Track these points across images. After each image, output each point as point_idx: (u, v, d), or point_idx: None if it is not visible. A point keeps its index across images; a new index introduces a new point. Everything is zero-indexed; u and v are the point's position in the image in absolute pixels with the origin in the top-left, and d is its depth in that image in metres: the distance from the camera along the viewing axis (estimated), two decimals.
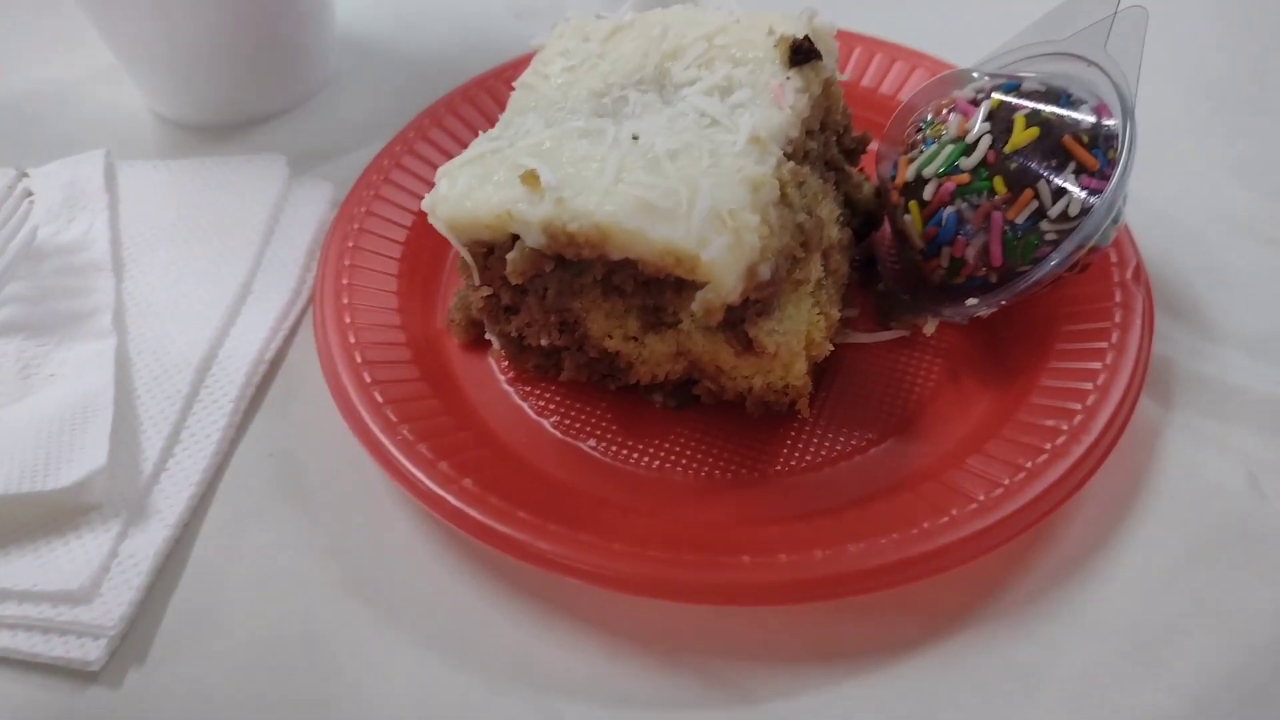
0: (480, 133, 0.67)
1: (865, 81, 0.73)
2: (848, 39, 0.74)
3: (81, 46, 0.81)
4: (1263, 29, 0.84)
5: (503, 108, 0.69)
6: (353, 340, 0.57)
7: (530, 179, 0.48)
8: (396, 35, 0.86)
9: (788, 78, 0.53)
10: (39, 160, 0.72)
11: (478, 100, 0.71)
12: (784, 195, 0.51)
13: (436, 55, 0.84)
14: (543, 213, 0.48)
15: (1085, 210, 0.54)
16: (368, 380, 0.55)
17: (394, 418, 0.53)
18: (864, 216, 0.64)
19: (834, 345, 0.57)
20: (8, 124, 0.79)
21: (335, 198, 0.70)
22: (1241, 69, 0.80)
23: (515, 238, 0.50)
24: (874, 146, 0.65)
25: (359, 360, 0.56)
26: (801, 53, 0.53)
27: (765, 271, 0.49)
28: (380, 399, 0.54)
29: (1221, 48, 0.82)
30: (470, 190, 0.51)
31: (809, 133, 0.55)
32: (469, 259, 0.53)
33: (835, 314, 0.57)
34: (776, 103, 0.52)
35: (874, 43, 0.74)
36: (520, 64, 0.72)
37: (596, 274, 0.51)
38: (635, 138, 0.50)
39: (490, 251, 0.53)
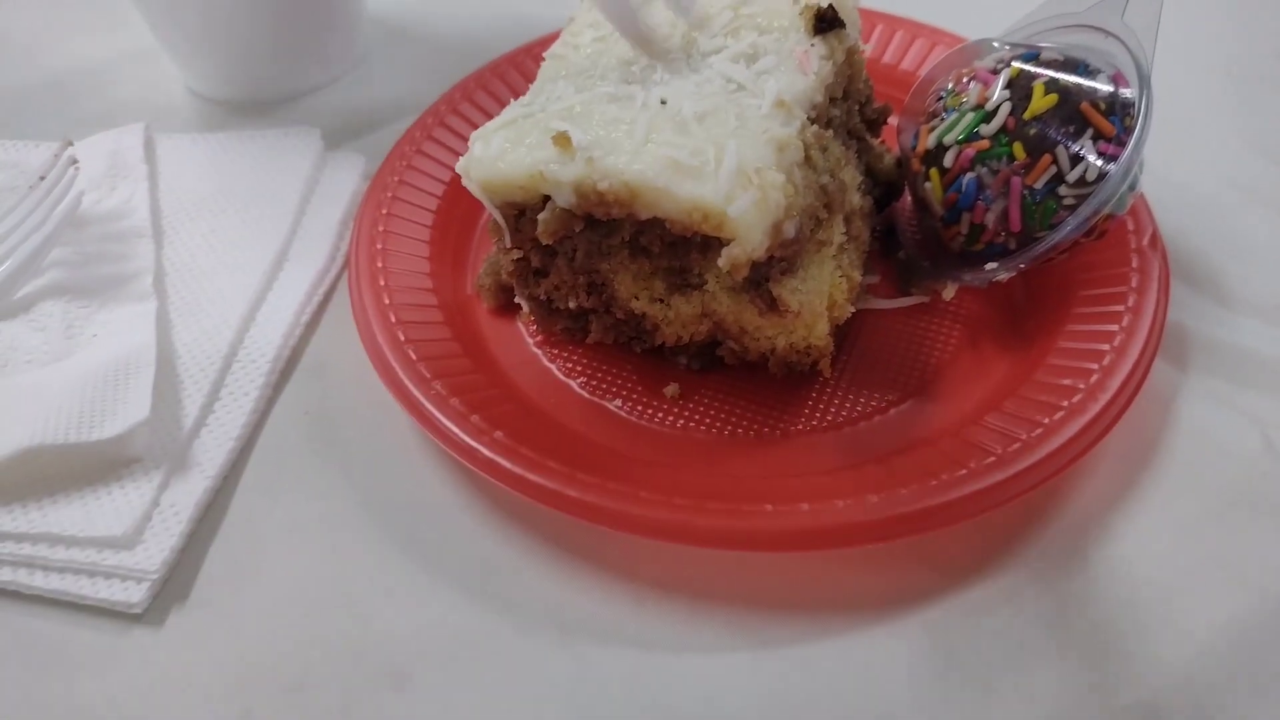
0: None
1: (886, 58, 0.74)
2: (869, 16, 0.76)
3: (122, 27, 0.83)
4: None
5: (532, 82, 0.71)
6: (387, 302, 0.59)
7: (562, 140, 0.50)
8: (427, 13, 0.88)
9: (812, 45, 0.55)
10: (80, 134, 0.74)
11: (507, 76, 0.73)
12: (808, 157, 0.52)
13: (466, 33, 0.86)
14: (574, 172, 0.50)
15: (1102, 176, 0.55)
16: (401, 339, 0.57)
17: (427, 374, 0.55)
18: (885, 187, 0.65)
19: (855, 309, 0.58)
20: (50, 101, 0.82)
21: (367, 170, 0.72)
22: (1260, 46, 0.81)
23: (546, 200, 0.52)
24: (894, 121, 0.66)
25: (393, 320, 0.58)
26: (826, 21, 0.55)
27: (790, 229, 0.50)
28: (414, 356, 0.56)
29: (1239, 23, 0.82)
30: (504, 153, 0.52)
31: (832, 100, 0.56)
32: (501, 220, 0.54)
33: (857, 277, 0.59)
34: (801, 69, 0.53)
35: (895, 19, 0.76)
36: (549, 41, 0.74)
37: (625, 234, 0.52)
38: (664, 102, 0.52)
39: (522, 213, 0.54)
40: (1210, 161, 0.71)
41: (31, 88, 0.83)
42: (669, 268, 0.54)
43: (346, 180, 0.71)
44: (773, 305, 0.53)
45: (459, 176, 0.66)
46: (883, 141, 0.66)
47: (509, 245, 0.56)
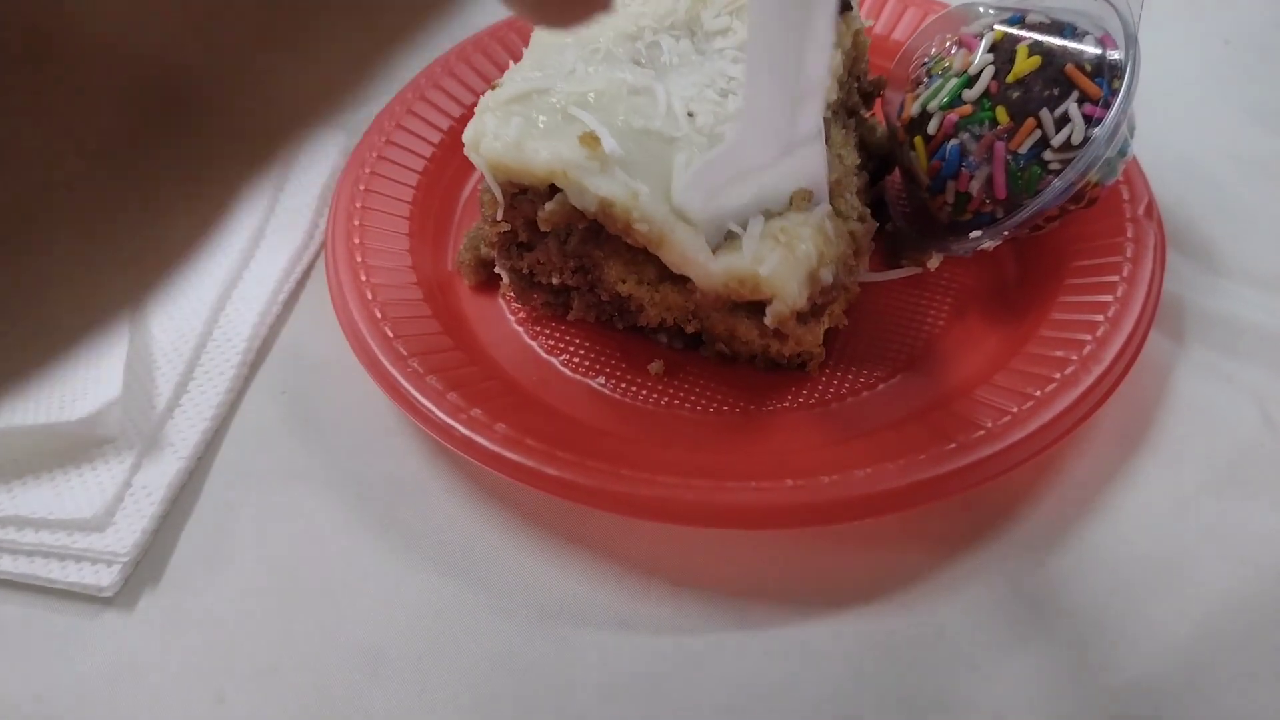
0: (498, 76, 0.67)
1: (878, 29, 0.73)
2: None
3: None
4: None
5: (515, 57, 0.70)
6: (364, 279, 0.57)
7: (589, 140, 0.49)
8: None
9: None
10: None
11: (489, 49, 0.71)
12: (836, 210, 0.52)
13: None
14: (609, 191, 0.49)
15: (1088, 139, 0.54)
16: (378, 316, 0.55)
17: (404, 351, 0.54)
18: (878, 160, 0.64)
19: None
20: None
21: (347, 146, 0.70)
22: (1259, 15, 0.79)
23: (553, 188, 0.51)
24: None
25: (370, 298, 0.56)
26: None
27: (827, 275, 0.51)
28: (391, 334, 0.55)
29: None
30: (521, 137, 0.50)
31: (839, 84, 0.55)
32: (499, 194, 0.53)
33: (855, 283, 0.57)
34: None
35: None
36: None
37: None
38: (691, 115, 0.51)
39: (522, 191, 0.53)
40: (1208, 131, 0.70)
41: None
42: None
43: (326, 155, 0.69)
44: (778, 333, 0.52)
45: (440, 152, 0.66)
46: (873, 114, 0.65)
47: (500, 218, 0.55)
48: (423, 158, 0.66)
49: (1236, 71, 0.75)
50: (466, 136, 0.53)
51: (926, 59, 0.59)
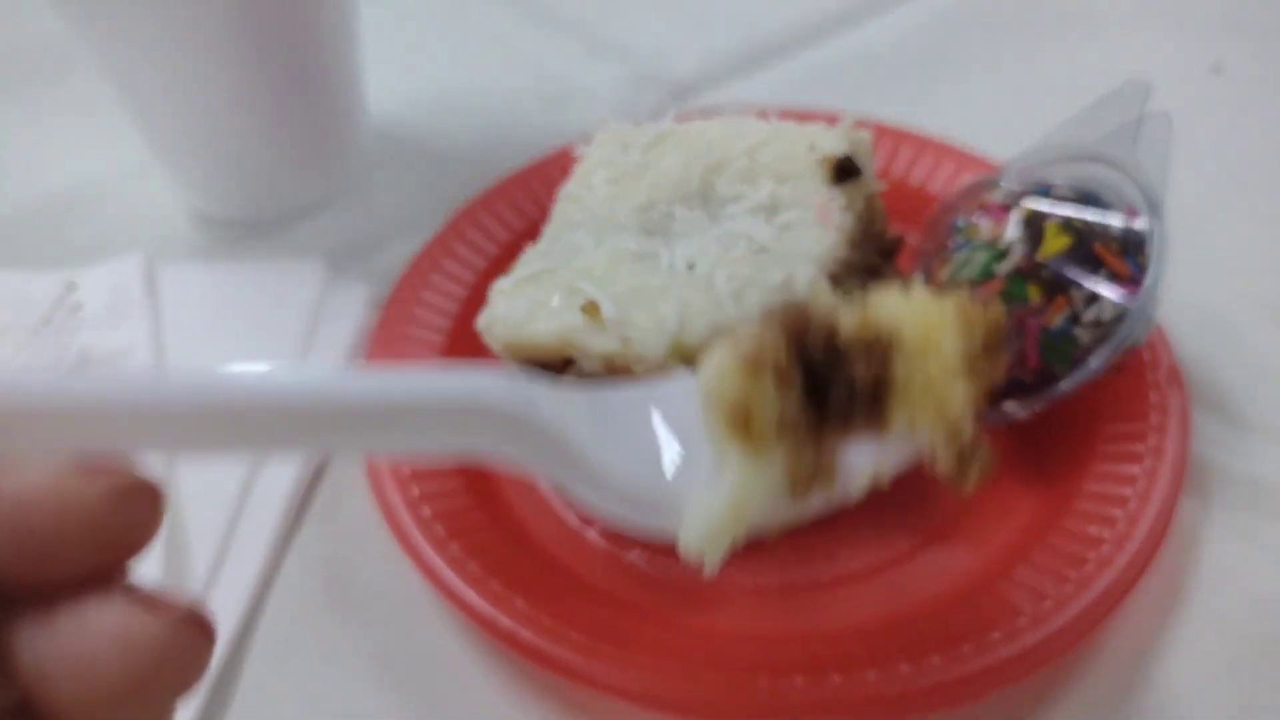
0: (518, 233, 0.68)
1: (894, 173, 0.74)
2: (875, 130, 0.75)
3: (116, 143, 0.82)
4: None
5: (537, 205, 0.71)
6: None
7: (591, 309, 0.50)
8: (426, 126, 0.87)
9: (832, 197, 0.54)
10: (76, 259, 0.73)
11: (513, 199, 0.72)
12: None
13: (466, 146, 0.85)
14: (606, 347, 0.49)
15: (1118, 316, 0.55)
16: (415, 494, 0.56)
17: (443, 533, 0.54)
18: None
19: None
20: (46, 224, 0.81)
21: (372, 297, 0.71)
22: (1267, 154, 0.81)
23: (568, 360, 0.51)
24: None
25: (407, 474, 0.57)
26: (844, 171, 0.55)
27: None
28: (429, 514, 0.55)
29: (1241, 134, 0.83)
30: (530, 315, 0.51)
31: (852, 244, 0.56)
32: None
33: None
34: (822, 221, 0.53)
35: (899, 134, 0.75)
36: (552, 160, 0.73)
37: None
38: (691, 266, 0.51)
39: (541, 366, 0.53)
40: (1223, 276, 0.71)
41: (25, 212, 0.82)
42: None
43: (352, 311, 0.69)
44: None
45: (465, 311, 0.66)
46: (896, 268, 0.66)
47: None
48: (449, 316, 0.66)
49: (1250, 215, 0.76)
50: (480, 324, 0.54)
51: (954, 226, 0.60)
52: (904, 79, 0.90)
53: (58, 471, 0.29)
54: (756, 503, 0.36)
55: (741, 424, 0.36)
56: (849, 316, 0.39)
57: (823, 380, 0.38)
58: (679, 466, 0.39)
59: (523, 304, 0.52)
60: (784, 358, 0.37)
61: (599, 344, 0.49)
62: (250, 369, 0.34)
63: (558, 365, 0.52)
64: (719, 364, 0.37)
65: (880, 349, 0.38)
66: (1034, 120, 0.66)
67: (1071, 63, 0.90)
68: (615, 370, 0.50)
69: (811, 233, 0.53)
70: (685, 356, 0.49)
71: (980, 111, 0.84)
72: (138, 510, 0.30)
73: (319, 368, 0.31)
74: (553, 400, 0.37)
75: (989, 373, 0.39)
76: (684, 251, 0.53)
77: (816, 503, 0.38)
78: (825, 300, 0.41)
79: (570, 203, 0.59)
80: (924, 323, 0.39)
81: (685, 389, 0.40)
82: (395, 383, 0.35)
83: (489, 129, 0.87)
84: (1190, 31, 0.92)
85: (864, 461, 0.38)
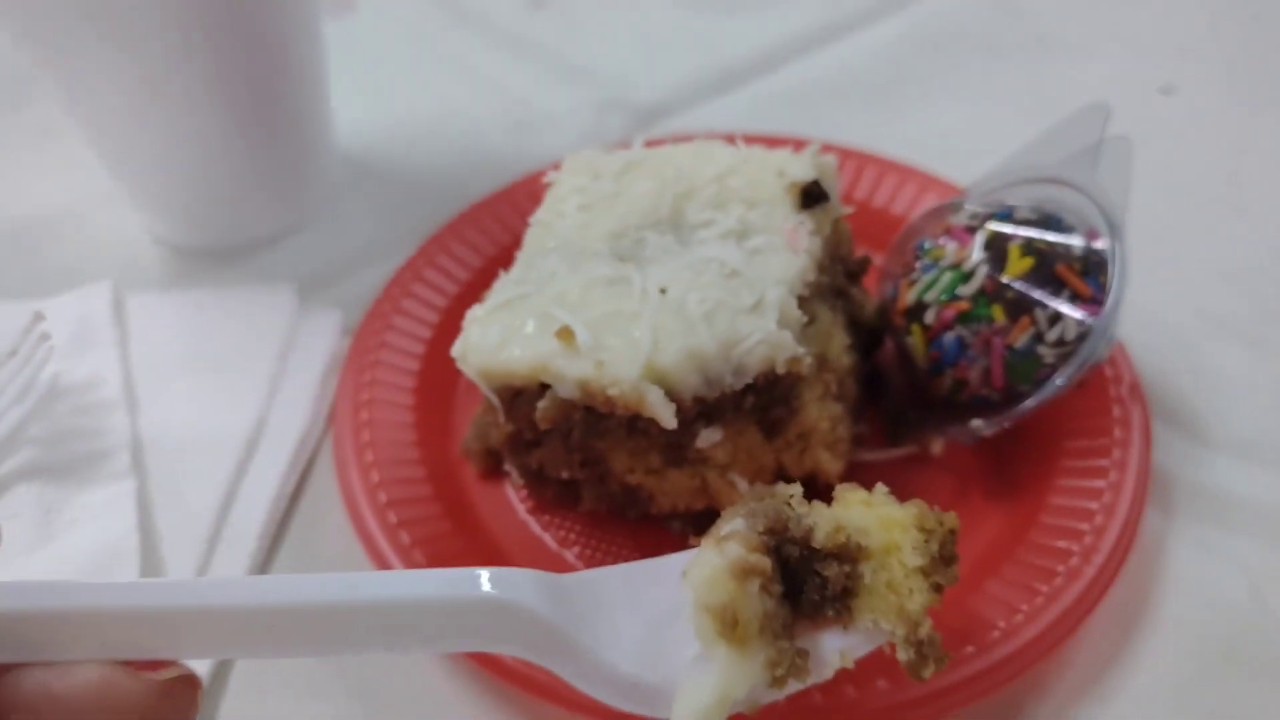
0: (489, 258, 0.68)
1: (858, 195, 0.75)
2: (840, 154, 0.77)
3: (80, 170, 0.81)
4: (1231, 127, 0.88)
5: (508, 231, 0.71)
6: (375, 480, 0.58)
7: (565, 335, 0.50)
8: (394, 152, 0.88)
9: (800, 222, 0.55)
10: (42, 287, 0.73)
11: (483, 225, 0.72)
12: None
13: (435, 172, 0.86)
14: (580, 371, 0.50)
15: (1081, 335, 0.56)
16: (393, 521, 0.56)
17: (422, 560, 0.54)
18: (868, 334, 0.66)
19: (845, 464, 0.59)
20: (11, 251, 0.80)
21: (345, 324, 0.71)
22: (1220, 167, 0.83)
23: (544, 386, 0.52)
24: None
25: (383, 501, 0.57)
26: (811, 196, 0.56)
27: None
28: (408, 541, 0.55)
29: (1191, 147, 0.85)
30: (503, 341, 0.52)
31: (820, 268, 0.57)
32: (495, 402, 0.54)
33: (848, 440, 0.59)
34: (791, 247, 0.54)
35: (863, 157, 0.77)
36: (521, 185, 0.74)
37: (621, 418, 0.52)
38: (663, 291, 0.52)
39: (518, 393, 0.54)
40: (1179, 291, 0.73)
41: None
42: (665, 444, 0.54)
43: (325, 337, 0.69)
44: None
45: (438, 337, 0.67)
46: (863, 288, 0.67)
47: (502, 421, 0.56)
48: (422, 341, 0.66)
49: (1204, 230, 0.78)
50: (455, 351, 0.54)
51: (919, 249, 0.62)
52: (867, 103, 0.92)
53: (105, 670, 0.32)
54: (741, 692, 0.39)
55: (730, 626, 0.39)
56: (823, 520, 0.43)
57: (799, 579, 0.42)
58: (668, 649, 0.41)
59: (497, 331, 0.53)
60: (769, 567, 0.41)
61: (574, 369, 0.50)
62: (246, 580, 0.42)
63: (534, 392, 0.53)
64: (709, 570, 0.40)
65: (850, 553, 0.43)
66: (994, 142, 0.68)
67: (1029, 86, 0.92)
68: (591, 394, 0.50)
69: (781, 257, 0.54)
70: (658, 379, 0.50)
71: (942, 134, 0.86)
72: (180, 701, 0.33)
73: (307, 580, 0.36)
74: (547, 594, 0.39)
75: (945, 577, 0.44)
76: (656, 276, 0.54)
77: (793, 687, 0.41)
78: (799, 505, 0.44)
79: (542, 229, 0.59)
80: (887, 530, 0.43)
81: (673, 569, 0.43)
82: (399, 587, 0.38)
83: (457, 155, 0.87)
84: (1142, 54, 0.95)
85: (832, 650, 0.42)
